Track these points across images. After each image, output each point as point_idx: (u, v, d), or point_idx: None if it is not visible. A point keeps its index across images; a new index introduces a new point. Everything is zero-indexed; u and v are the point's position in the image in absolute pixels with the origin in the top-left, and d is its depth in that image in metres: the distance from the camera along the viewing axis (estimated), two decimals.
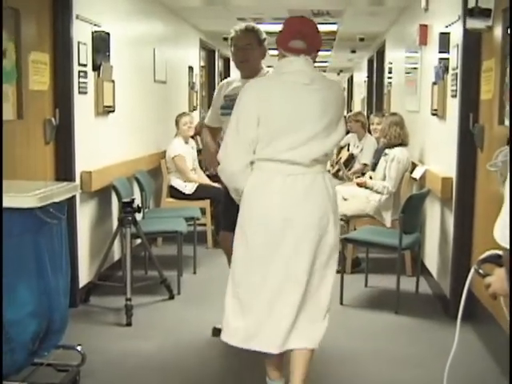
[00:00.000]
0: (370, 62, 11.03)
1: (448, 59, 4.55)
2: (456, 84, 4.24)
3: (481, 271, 1.85)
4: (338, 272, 3.05)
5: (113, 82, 4.92)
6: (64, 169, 4.23)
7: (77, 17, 4.26)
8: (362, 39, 9.51)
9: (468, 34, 3.92)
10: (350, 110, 15.62)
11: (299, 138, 2.68)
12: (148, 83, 6.21)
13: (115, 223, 4.75)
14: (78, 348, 3.26)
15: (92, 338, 3.79)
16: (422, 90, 5.63)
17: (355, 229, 5.25)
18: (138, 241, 5.28)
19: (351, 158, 7.16)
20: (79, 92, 4.34)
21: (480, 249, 3.66)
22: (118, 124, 5.17)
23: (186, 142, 6.38)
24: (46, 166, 4.10)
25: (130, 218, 4.25)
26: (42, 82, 3.96)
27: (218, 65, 10.82)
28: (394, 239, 4.43)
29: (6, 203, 2.63)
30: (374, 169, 5.86)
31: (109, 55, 4.84)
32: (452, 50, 4.44)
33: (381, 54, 9.32)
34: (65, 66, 4.15)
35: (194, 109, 8.42)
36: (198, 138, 6.95)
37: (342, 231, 4.58)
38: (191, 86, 8.28)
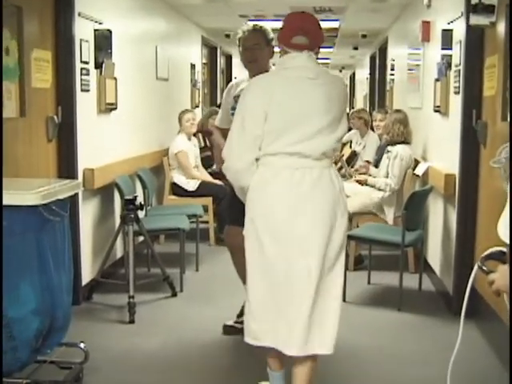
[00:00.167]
0: (373, 58, 11.01)
1: (451, 56, 4.54)
2: (459, 80, 4.23)
3: (484, 268, 1.84)
4: None
5: (115, 79, 4.92)
6: (66, 166, 4.23)
7: (79, 14, 4.26)
8: (364, 36, 9.47)
9: (471, 30, 3.91)
10: (353, 107, 15.59)
11: (307, 132, 2.66)
12: (150, 80, 6.21)
13: (118, 221, 4.75)
14: (81, 345, 3.27)
15: (95, 336, 3.79)
16: (424, 86, 5.61)
17: (358, 226, 5.24)
18: (141, 238, 5.28)
19: (354, 155, 7.13)
20: (81, 89, 4.34)
21: (483, 245, 3.65)
22: (120, 121, 5.17)
23: (189, 139, 6.38)
24: (48, 164, 4.10)
25: (132, 216, 4.26)
26: (44, 80, 3.97)
27: (220, 62, 10.82)
28: (397, 236, 4.42)
29: (8, 201, 2.64)
30: (376, 166, 5.85)
31: (111, 53, 4.84)
32: (455, 47, 4.43)
33: (383, 50, 9.29)
34: (67, 63, 4.16)
35: (197, 106, 8.42)
36: (200, 135, 6.95)
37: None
38: (193, 84, 8.28)
